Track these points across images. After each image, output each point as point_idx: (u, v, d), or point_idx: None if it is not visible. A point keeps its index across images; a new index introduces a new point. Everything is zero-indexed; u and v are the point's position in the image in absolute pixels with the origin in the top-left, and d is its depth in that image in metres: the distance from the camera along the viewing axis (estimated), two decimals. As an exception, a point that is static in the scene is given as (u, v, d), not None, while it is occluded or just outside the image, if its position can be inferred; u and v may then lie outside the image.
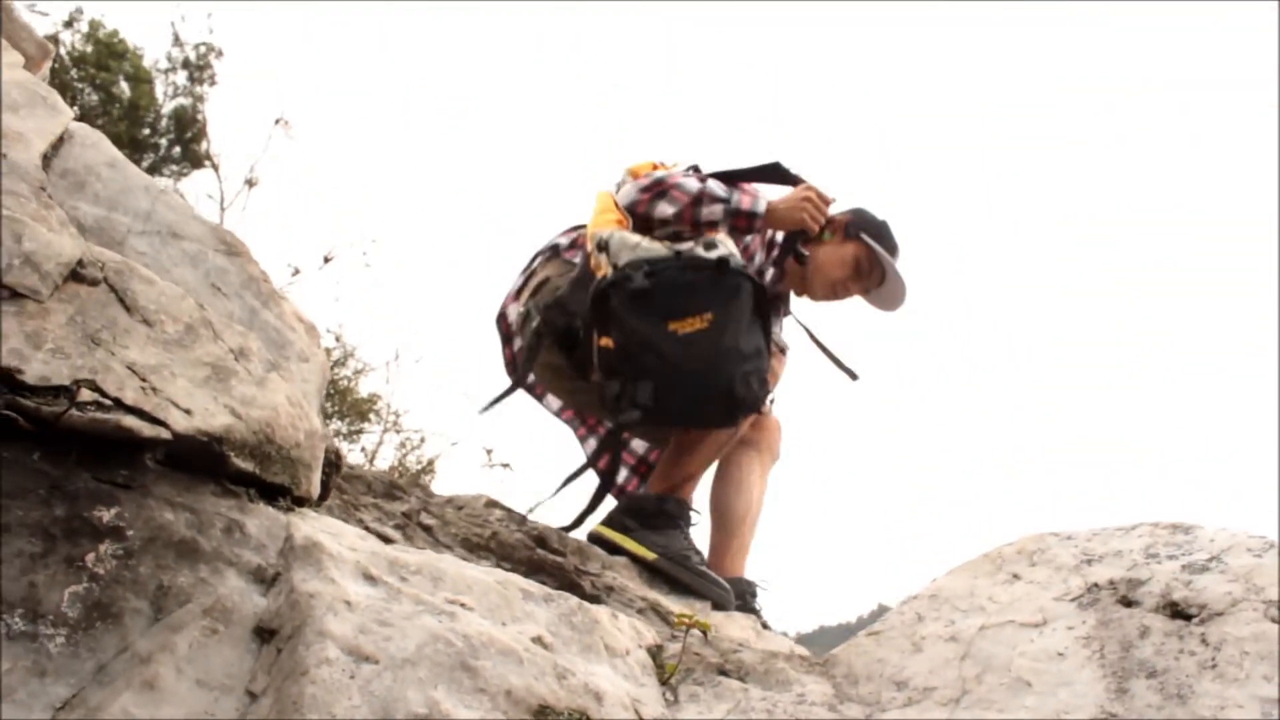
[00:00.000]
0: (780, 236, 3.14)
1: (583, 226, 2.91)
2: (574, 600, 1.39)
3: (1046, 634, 1.32)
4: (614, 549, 2.46)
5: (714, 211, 2.71)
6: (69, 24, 10.39)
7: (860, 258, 3.08)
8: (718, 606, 2.40)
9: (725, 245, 2.51)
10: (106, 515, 1.18)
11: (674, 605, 2.19)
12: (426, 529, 3.01)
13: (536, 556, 2.40)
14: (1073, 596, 1.37)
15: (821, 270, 3.10)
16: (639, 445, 3.00)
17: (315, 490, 1.43)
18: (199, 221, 1.68)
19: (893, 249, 3.15)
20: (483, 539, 2.72)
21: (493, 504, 2.84)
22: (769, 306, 2.56)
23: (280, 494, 1.37)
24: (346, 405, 11.19)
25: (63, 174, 1.53)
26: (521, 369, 2.75)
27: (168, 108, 11.19)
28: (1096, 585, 1.37)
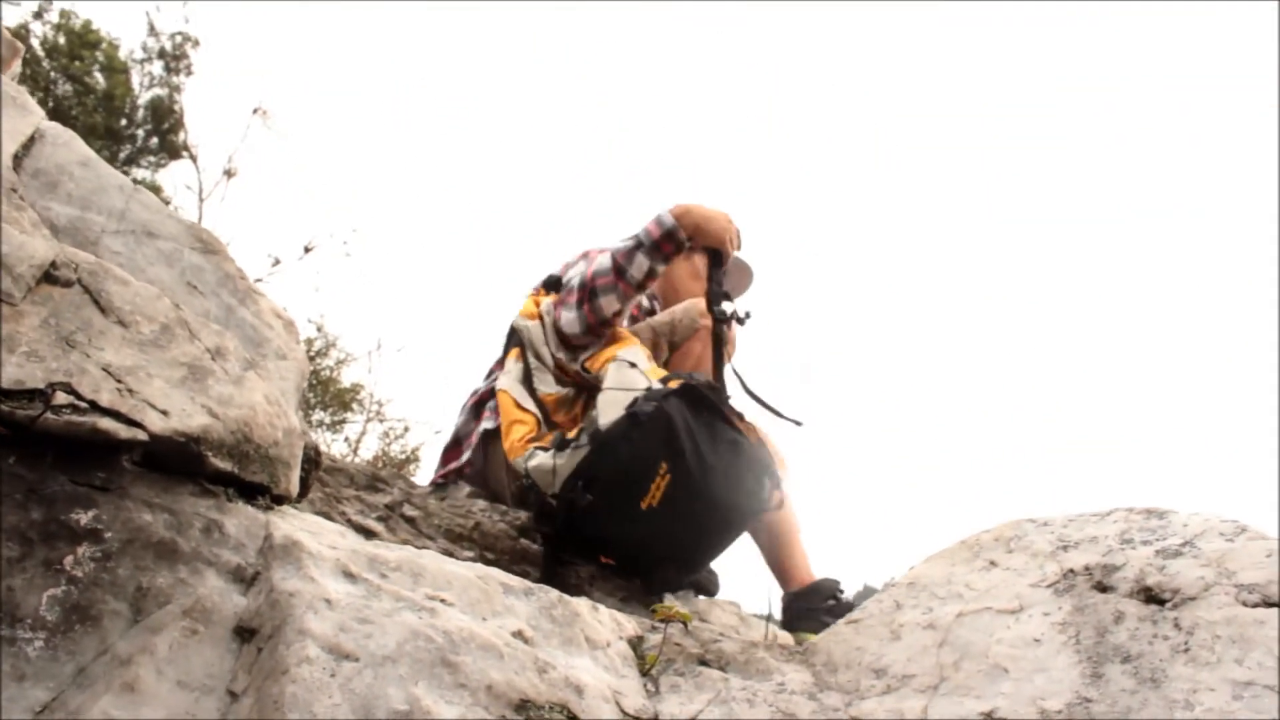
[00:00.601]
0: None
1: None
2: (554, 593, 1.40)
3: (1023, 620, 1.34)
4: None
5: (640, 263, 2.70)
6: (38, 15, 10.28)
7: (708, 262, 3.24)
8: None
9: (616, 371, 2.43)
10: (84, 518, 1.18)
11: (671, 598, 2.21)
12: (409, 520, 3.01)
13: (519, 546, 2.41)
14: (1049, 583, 1.38)
15: (683, 286, 3.28)
16: None
17: (294, 488, 1.43)
18: (174, 220, 1.67)
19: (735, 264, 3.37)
20: (465, 530, 2.72)
21: (475, 495, 2.85)
22: (704, 394, 2.33)
23: (259, 493, 1.37)
24: (329, 395, 11.16)
25: (34, 174, 1.52)
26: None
27: (144, 98, 11.11)
28: (1072, 571, 1.38)
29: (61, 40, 10.19)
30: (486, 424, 2.96)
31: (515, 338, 2.79)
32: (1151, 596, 1.30)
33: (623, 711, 1.23)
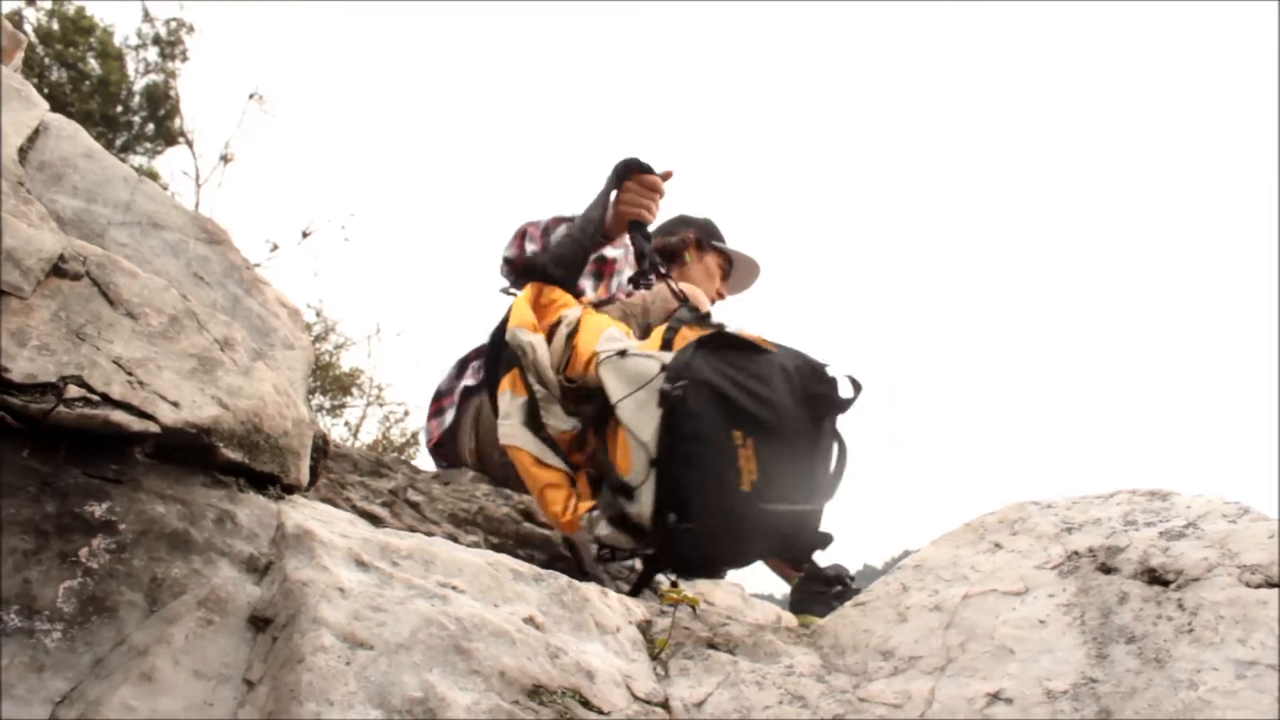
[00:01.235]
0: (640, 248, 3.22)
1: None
2: (564, 579, 1.41)
3: (1028, 602, 1.35)
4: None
5: (561, 232, 2.69)
6: (31, 1, 10.24)
7: (719, 264, 3.43)
8: None
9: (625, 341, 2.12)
10: (98, 510, 1.19)
11: (660, 576, 2.22)
12: (414, 506, 3.03)
13: (524, 530, 2.43)
14: (1053, 564, 1.40)
15: (700, 289, 3.30)
16: None
17: (304, 477, 1.44)
18: (179, 210, 1.68)
19: (723, 236, 3.47)
20: (470, 514, 2.74)
21: (479, 479, 2.86)
22: (718, 334, 2.02)
23: (270, 483, 1.38)
24: (329, 380, 11.18)
25: (40, 166, 1.52)
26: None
27: (139, 84, 11.08)
28: (1076, 553, 1.40)
29: (55, 26, 10.16)
30: (468, 380, 2.98)
31: (511, 357, 2.26)
32: (1155, 578, 1.31)
33: (634, 695, 1.24)
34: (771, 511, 1.83)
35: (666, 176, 2.58)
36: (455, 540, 2.16)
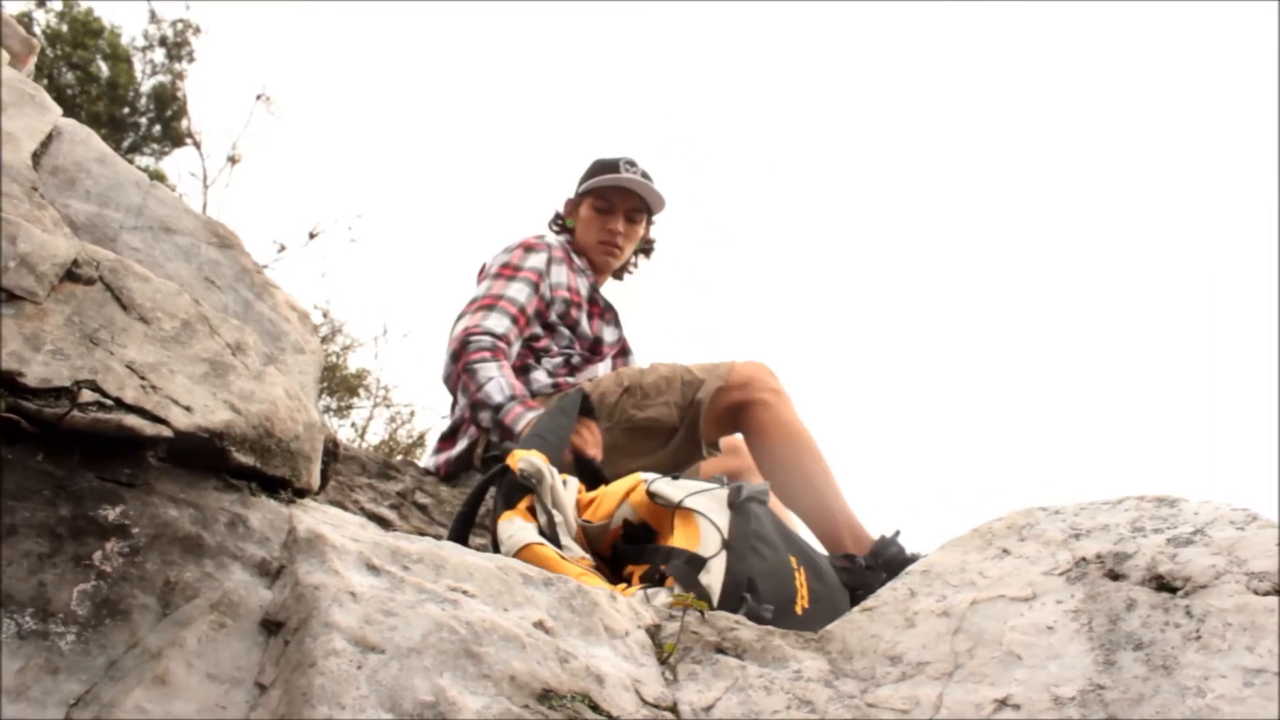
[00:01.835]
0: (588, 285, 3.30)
1: None
2: (573, 583, 1.42)
3: (1036, 608, 1.35)
4: None
5: (482, 419, 2.81)
6: (41, 3, 10.29)
7: (592, 203, 3.33)
8: None
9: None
10: (111, 514, 1.20)
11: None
12: (421, 508, 3.04)
13: (532, 535, 2.43)
14: (1061, 570, 1.40)
15: (585, 243, 3.36)
16: None
17: (316, 481, 1.45)
18: (190, 214, 1.69)
19: (608, 168, 3.33)
20: (478, 517, 2.74)
21: (486, 482, 2.87)
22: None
23: (281, 486, 1.39)
24: (335, 381, 11.20)
25: (53, 171, 1.53)
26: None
27: (146, 86, 11.11)
28: (1084, 559, 1.40)
29: (64, 29, 10.19)
30: None
31: (514, 485, 2.07)
32: (1163, 584, 1.32)
33: (642, 700, 1.25)
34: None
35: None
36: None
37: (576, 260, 3.32)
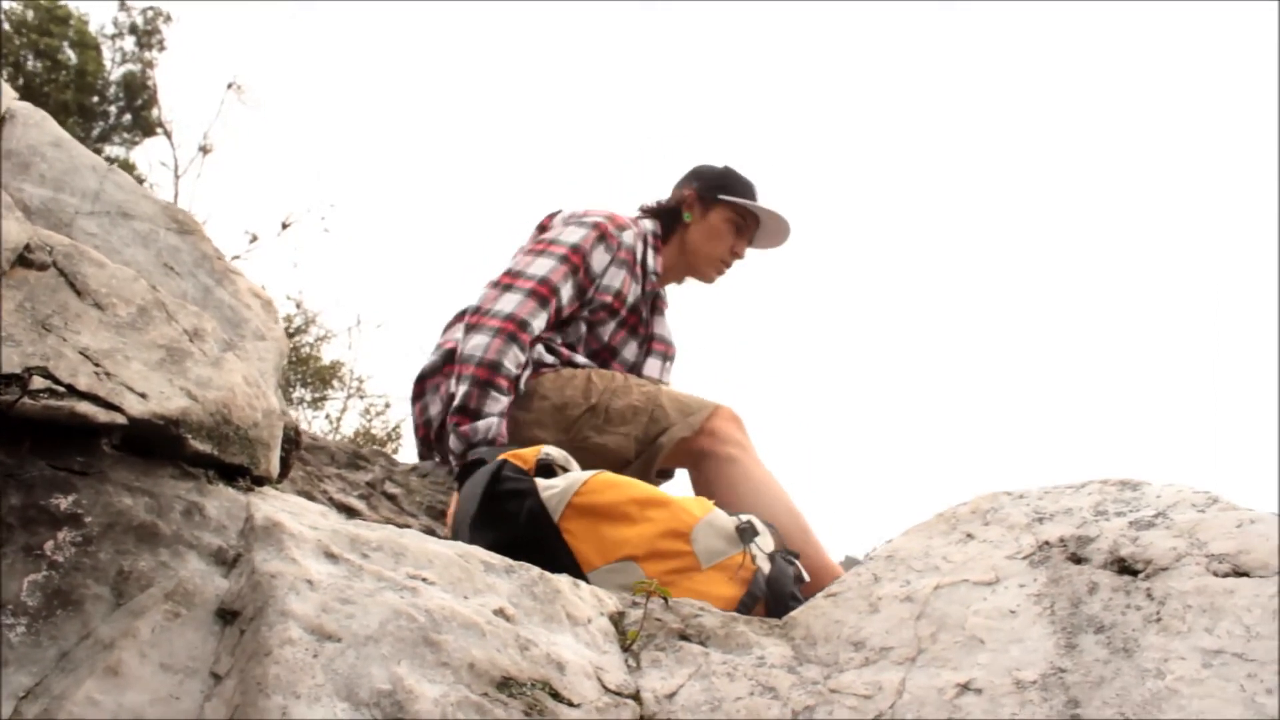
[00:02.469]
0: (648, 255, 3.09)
1: None
2: (535, 571, 1.41)
3: (999, 592, 1.35)
4: None
5: (456, 443, 2.63)
6: (6, -11, 10.14)
7: (731, 219, 3.11)
8: None
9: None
10: (64, 502, 1.18)
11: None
12: (391, 498, 3.02)
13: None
14: (1024, 555, 1.40)
15: (701, 251, 3.13)
16: None
17: (275, 469, 1.44)
18: (149, 200, 1.66)
19: (748, 188, 3.14)
20: (447, 506, 2.73)
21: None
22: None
23: (239, 474, 1.38)
24: (309, 373, 11.14)
25: (6, 155, 1.51)
26: None
27: (116, 74, 10.99)
28: (1047, 543, 1.40)
29: (30, 15, 10.06)
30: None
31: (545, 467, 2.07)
32: (1125, 567, 1.32)
33: (604, 687, 1.24)
34: None
35: None
36: (432, 533, 2.15)
37: (651, 257, 3.10)
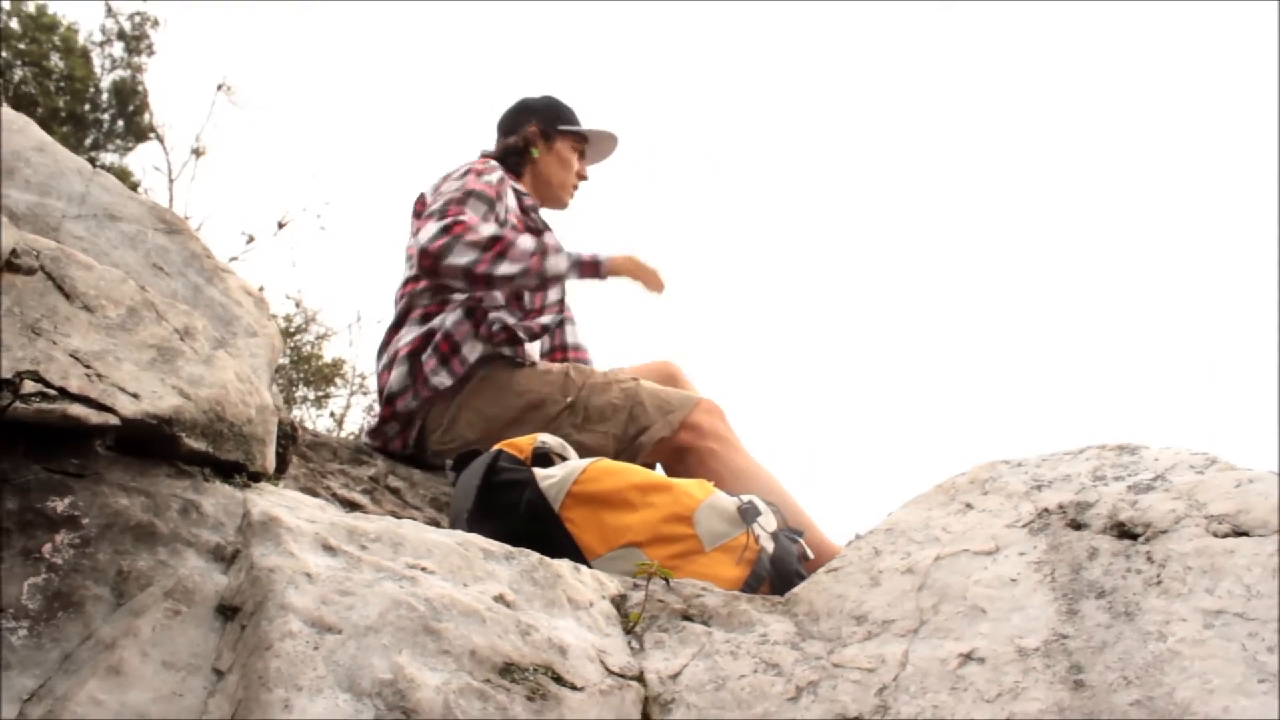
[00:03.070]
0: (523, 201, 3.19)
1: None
2: (535, 556, 1.41)
3: (999, 561, 1.35)
4: None
5: (559, 263, 2.75)
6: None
7: (575, 145, 3.31)
8: None
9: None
10: (60, 505, 1.18)
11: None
12: (394, 491, 3.02)
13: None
14: (1024, 523, 1.40)
15: (555, 179, 3.30)
16: None
17: (270, 464, 1.44)
18: (136, 201, 1.66)
19: (574, 114, 3.34)
20: (450, 498, 2.73)
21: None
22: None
23: (235, 471, 1.38)
24: (311, 371, 11.14)
25: (-10, 161, 1.50)
26: None
27: (106, 81, 10.96)
28: (1046, 510, 1.40)
29: (15, 24, 10.03)
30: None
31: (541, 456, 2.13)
32: (1124, 532, 1.32)
33: (607, 669, 1.24)
34: None
35: None
36: (437, 525, 2.15)
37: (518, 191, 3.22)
